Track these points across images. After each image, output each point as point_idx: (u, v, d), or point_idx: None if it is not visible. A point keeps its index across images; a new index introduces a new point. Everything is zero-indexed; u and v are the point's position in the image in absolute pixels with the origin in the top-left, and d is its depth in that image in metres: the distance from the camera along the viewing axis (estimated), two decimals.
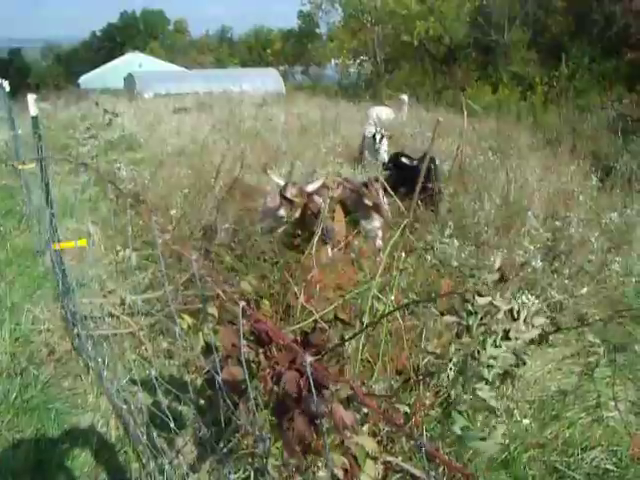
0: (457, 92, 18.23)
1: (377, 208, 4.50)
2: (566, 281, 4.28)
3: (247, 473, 2.54)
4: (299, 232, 3.99)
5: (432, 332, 3.25)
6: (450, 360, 1.25)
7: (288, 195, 4.22)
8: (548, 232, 4.97)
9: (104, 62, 45.62)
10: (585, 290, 4.16)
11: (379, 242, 4.81)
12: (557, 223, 5.31)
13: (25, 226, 6.43)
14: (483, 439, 1.04)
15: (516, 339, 1.27)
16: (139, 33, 58.46)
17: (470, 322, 1.27)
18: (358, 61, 27.66)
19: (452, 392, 1.30)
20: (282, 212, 4.25)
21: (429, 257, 4.32)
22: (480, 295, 1.33)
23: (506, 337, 1.26)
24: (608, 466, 2.81)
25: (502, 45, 19.91)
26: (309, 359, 0.88)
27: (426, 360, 3.06)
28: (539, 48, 19.54)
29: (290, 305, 3.27)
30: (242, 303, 1.08)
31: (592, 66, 17.48)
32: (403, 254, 2.84)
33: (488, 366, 1.22)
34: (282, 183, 4.34)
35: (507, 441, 2.74)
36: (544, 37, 19.55)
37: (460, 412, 1.10)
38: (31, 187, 5.94)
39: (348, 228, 4.60)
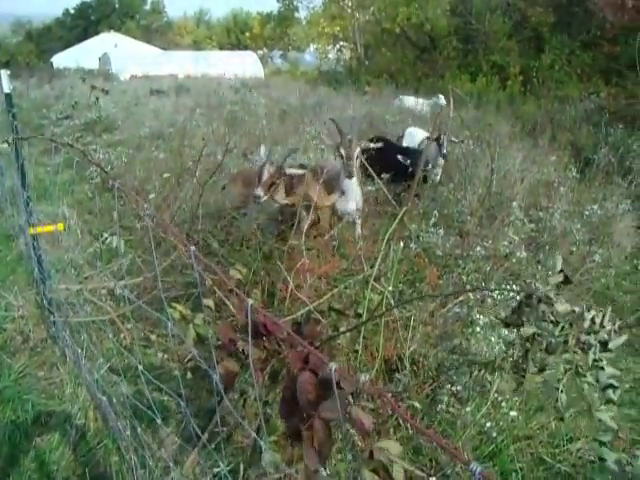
0: (437, 80, 18.22)
1: (348, 160, 4.29)
2: (550, 272, 4.28)
3: (232, 466, 2.48)
4: (283, 218, 3.91)
5: (419, 322, 3.22)
6: (559, 380, 1.18)
7: (265, 174, 4.10)
8: (532, 223, 4.98)
9: (78, 41, 44.45)
10: None
11: (358, 229, 4.73)
12: (540, 214, 5.33)
13: None
14: None
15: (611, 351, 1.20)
16: (114, 12, 57.01)
17: (556, 333, 1.19)
18: (338, 47, 27.40)
19: (566, 416, 1.23)
20: (259, 191, 4.06)
21: (413, 246, 4.28)
22: (543, 301, 1.25)
23: (604, 349, 1.18)
24: (592, 457, 2.82)
25: (482, 34, 19.90)
26: (334, 366, 0.81)
27: (412, 349, 3.02)
28: (519, 38, 19.59)
29: (274, 294, 3.20)
30: (250, 301, 1.01)
31: (571, 58, 17.59)
32: (402, 244, 2.78)
33: (610, 386, 1.15)
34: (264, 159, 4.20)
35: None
36: (524, 27, 19.58)
37: (605, 444, 1.03)
38: (3, 168, 5.74)
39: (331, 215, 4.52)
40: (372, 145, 4.53)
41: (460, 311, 3.35)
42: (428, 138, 6.05)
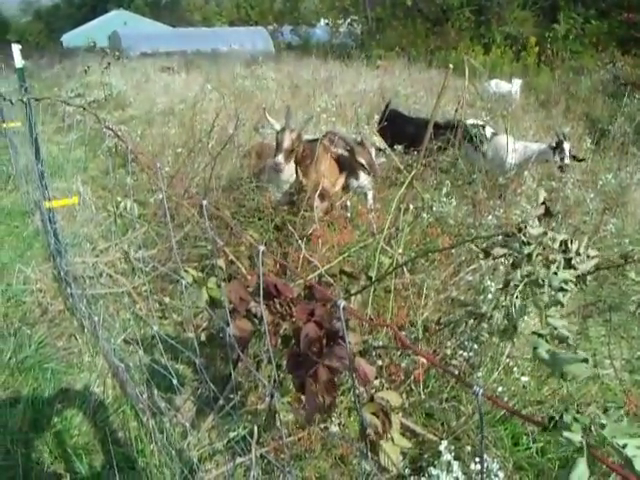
0: (450, 53, 17.97)
1: (371, 167, 4.34)
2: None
3: (247, 430, 2.54)
4: (295, 190, 3.91)
5: (431, 288, 3.24)
6: (516, 287, 1.20)
7: (286, 140, 3.91)
8: (545, 193, 4.94)
9: (86, 19, 44.29)
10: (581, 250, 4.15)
11: (371, 201, 4.74)
12: (553, 184, 5.29)
13: (12, 186, 6.30)
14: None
15: (575, 269, 1.22)
16: None
17: (526, 252, 1.21)
18: (348, 20, 27.04)
19: (518, 322, 1.25)
20: (280, 158, 3.87)
21: (425, 215, 4.28)
22: (521, 230, 1.27)
23: (569, 266, 1.21)
24: (603, 421, 2.84)
25: (496, 5, 19.55)
26: (342, 303, 0.83)
27: (425, 315, 3.05)
28: (533, 8, 19.22)
29: (287, 262, 3.23)
30: (262, 247, 1.03)
31: (586, 27, 17.24)
32: (411, 206, 2.78)
33: (561, 289, 1.17)
34: (278, 127, 4.08)
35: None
36: None
37: (541, 335, 1.05)
38: (17, 146, 5.80)
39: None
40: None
41: (472, 279, 3.36)
42: (495, 134, 5.75)
